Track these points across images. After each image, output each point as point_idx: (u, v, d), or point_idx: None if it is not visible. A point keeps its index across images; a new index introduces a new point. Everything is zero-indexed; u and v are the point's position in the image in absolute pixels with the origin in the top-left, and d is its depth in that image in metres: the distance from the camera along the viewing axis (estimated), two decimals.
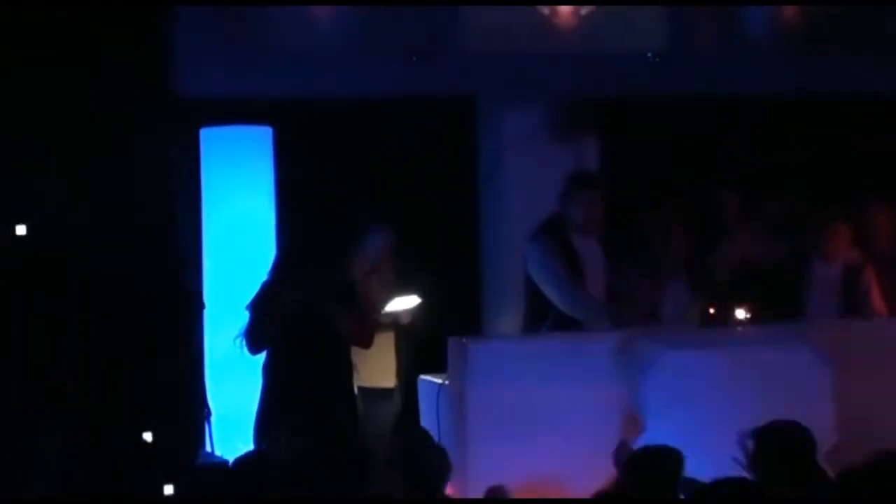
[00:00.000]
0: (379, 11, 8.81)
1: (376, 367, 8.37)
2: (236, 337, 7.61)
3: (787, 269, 9.01)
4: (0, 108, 8.16)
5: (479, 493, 6.91)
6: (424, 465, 6.53)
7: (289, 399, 7.55)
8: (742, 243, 8.92)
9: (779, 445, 6.58)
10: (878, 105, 9.39)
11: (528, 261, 8.30)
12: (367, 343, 7.93)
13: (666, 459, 6.45)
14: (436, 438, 7.77)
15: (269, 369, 7.65)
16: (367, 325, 7.95)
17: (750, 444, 6.65)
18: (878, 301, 8.89)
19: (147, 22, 8.35)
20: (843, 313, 8.95)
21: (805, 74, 9.48)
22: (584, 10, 9.00)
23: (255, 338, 7.59)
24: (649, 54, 9.22)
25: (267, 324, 7.49)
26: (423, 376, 8.32)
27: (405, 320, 8.49)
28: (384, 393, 8.52)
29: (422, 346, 8.57)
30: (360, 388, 8.12)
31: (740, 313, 8.31)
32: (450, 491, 7.00)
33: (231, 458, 7.49)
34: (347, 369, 7.79)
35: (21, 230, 8.30)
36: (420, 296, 8.50)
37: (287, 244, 8.49)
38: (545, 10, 8.94)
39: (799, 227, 9.14)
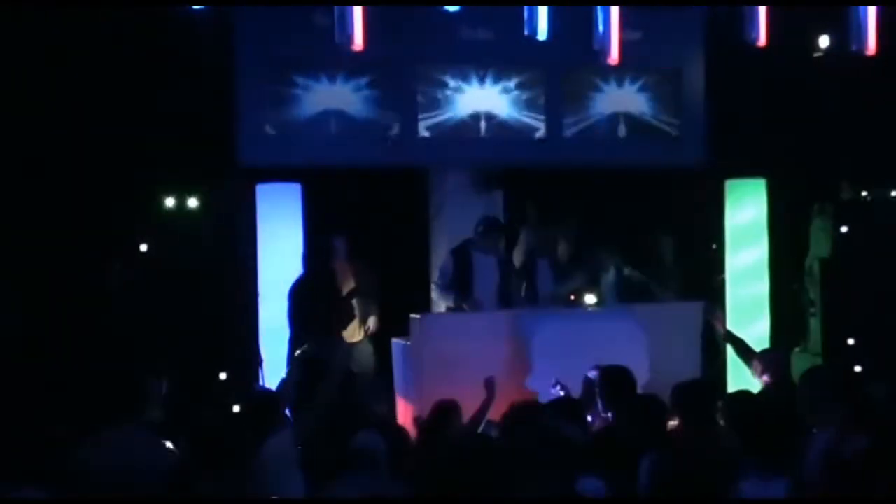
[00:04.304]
0: (372, 115, 10.53)
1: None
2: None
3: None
4: (133, 176, 9.75)
5: (428, 409, 7.92)
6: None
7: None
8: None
9: (610, 378, 7.99)
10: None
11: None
12: (340, 327, 10.19)
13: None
14: (402, 379, 9.62)
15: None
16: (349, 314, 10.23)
17: (595, 376, 8.18)
18: None
19: (221, 114, 10.08)
20: None
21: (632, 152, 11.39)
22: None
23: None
24: (534, 139, 11.16)
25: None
26: (394, 339, 10.10)
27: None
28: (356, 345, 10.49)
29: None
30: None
31: (590, 299, 10.13)
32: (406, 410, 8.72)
33: (274, 390, 9.01)
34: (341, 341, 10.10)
35: (143, 247, 9.99)
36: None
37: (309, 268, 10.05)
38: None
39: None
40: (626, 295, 11.17)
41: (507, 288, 10.41)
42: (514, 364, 9.51)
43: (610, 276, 11.24)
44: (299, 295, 9.87)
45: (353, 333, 10.49)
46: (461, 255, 10.32)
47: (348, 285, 10.32)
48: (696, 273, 11.64)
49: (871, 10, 10.09)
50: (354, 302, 10.34)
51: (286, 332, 10.07)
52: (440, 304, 10.58)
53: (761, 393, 8.51)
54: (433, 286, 10.36)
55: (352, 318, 10.29)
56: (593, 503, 6.04)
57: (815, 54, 11.26)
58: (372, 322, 10.56)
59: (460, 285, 10.20)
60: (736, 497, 6.12)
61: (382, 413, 8.07)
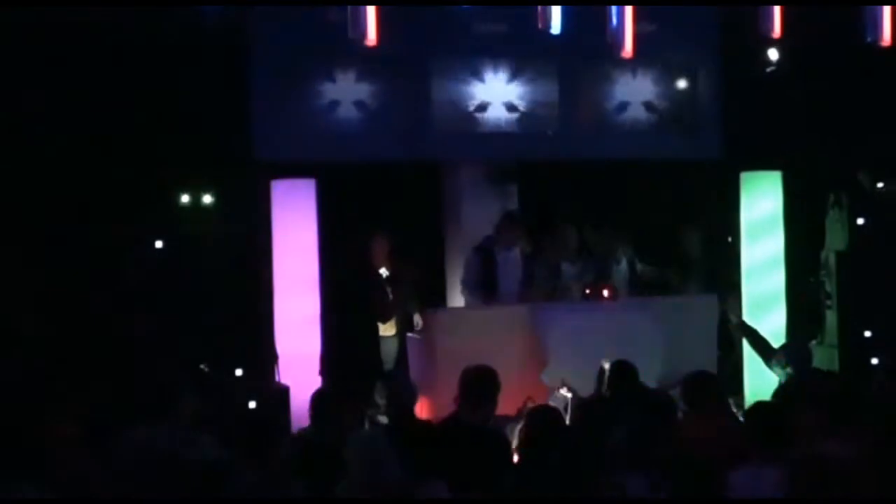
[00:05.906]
0: (385, 110, 10.67)
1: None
2: None
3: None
4: (148, 173, 9.67)
5: (444, 404, 7.84)
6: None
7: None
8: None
9: (617, 370, 8.29)
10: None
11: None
12: (387, 319, 10.45)
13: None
14: (418, 373, 9.66)
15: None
16: (389, 307, 10.39)
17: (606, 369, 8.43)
18: None
19: (235, 111, 10.05)
20: None
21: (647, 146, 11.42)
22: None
23: None
24: (549, 132, 11.15)
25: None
26: (409, 334, 10.38)
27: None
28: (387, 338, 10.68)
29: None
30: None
31: (605, 292, 10.28)
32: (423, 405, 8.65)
33: (290, 386, 9.54)
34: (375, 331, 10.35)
35: (159, 244, 9.93)
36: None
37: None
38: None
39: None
40: (641, 290, 11.23)
41: (530, 282, 10.56)
42: (529, 358, 9.60)
43: (622, 267, 11.26)
44: (340, 289, 10.08)
45: (386, 328, 10.69)
46: (484, 253, 10.49)
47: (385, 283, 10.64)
48: (712, 266, 11.74)
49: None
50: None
51: (303, 328, 10.07)
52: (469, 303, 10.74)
53: (785, 384, 8.62)
54: (461, 286, 10.48)
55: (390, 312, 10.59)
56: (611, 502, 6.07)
57: (768, 69, 11.30)
58: (417, 319, 10.73)
59: (486, 284, 10.34)
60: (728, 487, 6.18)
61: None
